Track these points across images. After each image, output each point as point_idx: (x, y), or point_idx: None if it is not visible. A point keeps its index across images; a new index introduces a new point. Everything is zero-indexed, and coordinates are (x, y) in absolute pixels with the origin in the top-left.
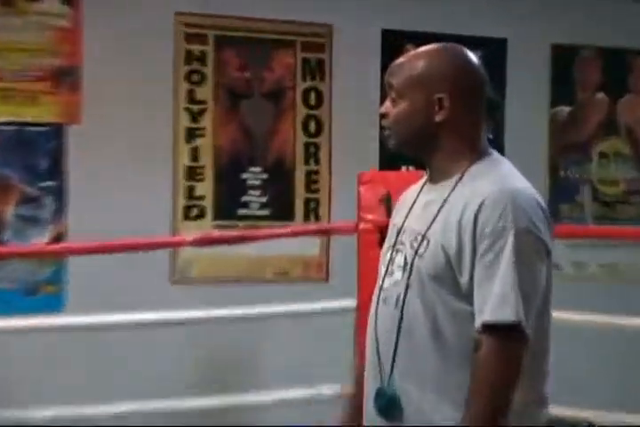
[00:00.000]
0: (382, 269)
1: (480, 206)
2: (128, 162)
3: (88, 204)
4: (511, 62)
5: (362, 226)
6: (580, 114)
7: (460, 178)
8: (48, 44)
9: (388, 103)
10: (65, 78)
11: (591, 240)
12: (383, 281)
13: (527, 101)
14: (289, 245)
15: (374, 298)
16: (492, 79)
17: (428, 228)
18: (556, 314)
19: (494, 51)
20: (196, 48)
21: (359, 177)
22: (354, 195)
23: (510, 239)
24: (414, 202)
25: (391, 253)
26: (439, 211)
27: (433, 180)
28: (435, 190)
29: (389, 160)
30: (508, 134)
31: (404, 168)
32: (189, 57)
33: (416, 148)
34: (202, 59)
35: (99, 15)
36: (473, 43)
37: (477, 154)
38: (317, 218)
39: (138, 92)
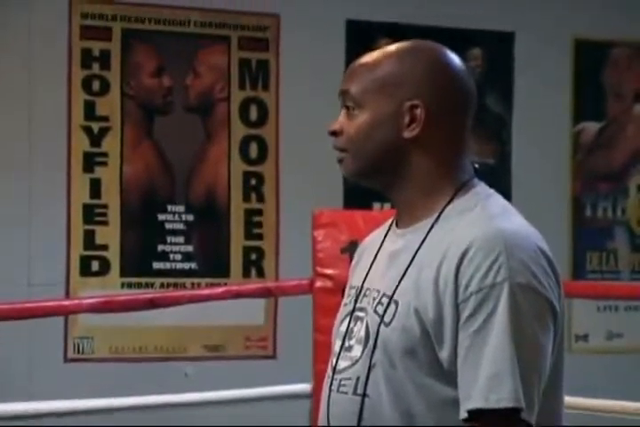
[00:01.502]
0: (336, 345)
1: (462, 257)
2: (4, 198)
3: None
4: (520, 63)
5: (318, 284)
6: (613, 132)
7: (437, 219)
8: None
9: (341, 117)
10: None
11: (628, 302)
12: (337, 360)
13: (542, 115)
14: (223, 311)
15: (326, 383)
16: (496, 85)
17: (397, 287)
18: (579, 400)
19: (498, 48)
20: (96, 46)
21: (314, 219)
22: (308, 243)
23: (503, 299)
24: (377, 253)
25: (348, 323)
26: (410, 264)
27: (401, 222)
28: (403, 237)
29: (357, 196)
30: (515, 159)
31: (376, 206)
32: (87, 58)
33: (378, 175)
34: (104, 60)
35: None
36: (472, 38)
37: (458, 185)
38: (260, 274)
39: (18, 105)
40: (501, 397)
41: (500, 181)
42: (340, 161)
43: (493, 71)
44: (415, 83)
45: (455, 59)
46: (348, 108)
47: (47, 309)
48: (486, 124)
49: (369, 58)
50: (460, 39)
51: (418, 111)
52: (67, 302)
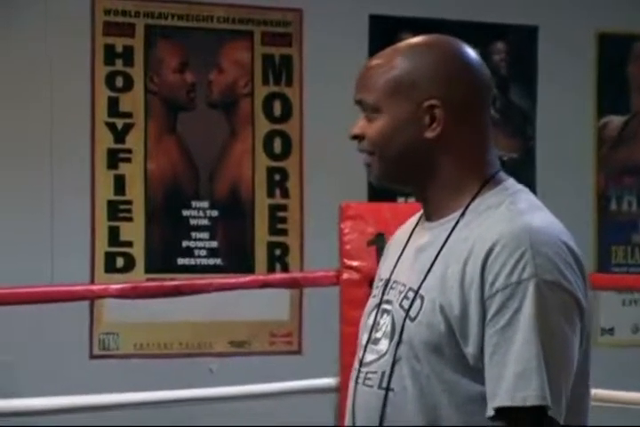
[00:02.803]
0: (363, 338)
1: (489, 253)
2: (27, 195)
3: None
4: (544, 57)
5: (345, 276)
6: (637, 126)
7: (462, 214)
8: None
9: (361, 121)
10: None
11: None
12: (364, 353)
13: (566, 109)
14: (249, 307)
15: (352, 376)
16: (520, 79)
17: (422, 281)
18: (604, 392)
19: (522, 42)
20: (119, 42)
21: (341, 211)
22: (334, 236)
23: (530, 296)
24: (405, 247)
25: (375, 316)
26: (436, 259)
27: (428, 217)
28: (430, 231)
29: (381, 190)
30: (540, 154)
31: (401, 199)
32: (111, 54)
33: (406, 177)
34: (127, 56)
35: None
36: (496, 32)
37: (484, 181)
38: (285, 268)
39: (41, 102)
40: (528, 395)
41: (525, 175)
42: (368, 166)
43: (517, 65)
44: (429, 81)
45: (468, 51)
46: (366, 112)
47: (74, 293)
48: (510, 118)
49: (378, 59)
50: (483, 33)
51: (437, 111)
52: (94, 287)
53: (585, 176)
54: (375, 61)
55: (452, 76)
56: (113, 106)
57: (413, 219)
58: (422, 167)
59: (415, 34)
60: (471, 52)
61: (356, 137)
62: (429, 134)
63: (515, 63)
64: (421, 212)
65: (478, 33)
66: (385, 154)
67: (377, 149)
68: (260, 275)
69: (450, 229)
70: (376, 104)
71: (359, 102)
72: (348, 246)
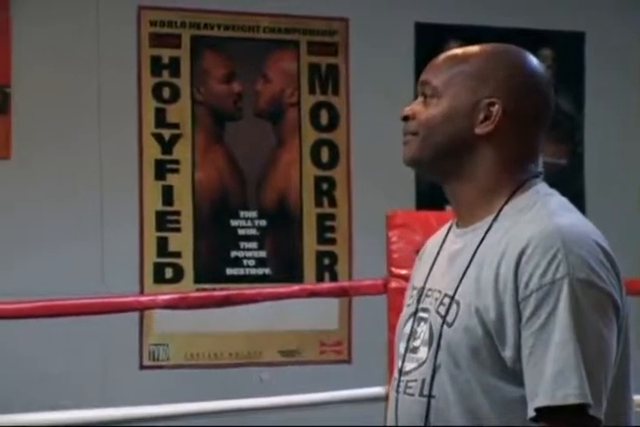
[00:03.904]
0: (401, 347)
1: (521, 255)
2: (77, 207)
3: (25, 264)
4: (591, 63)
5: (393, 284)
6: None
7: (496, 217)
8: None
9: (415, 104)
10: None
11: None
12: (403, 362)
13: (613, 114)
14: (298, 317)
15: (392, 386)
16: (567, 85)
17: (457, 287)
18: None
19: (568, 48)
20: (166, 53)
21: (388, 220)
22: (381, 247)
23: (564, 296)
24: (438, 254)
25: (412, 324)
26: (469, 264)
27: (461, 222)
28: (462, 237)
29: (429, 197)
30: (588, 160)
31: (449, 208)
32: (157, 65)
33: (439, 164)
34: (174, 67)
35: (32, 15)
36: (542, 38)
37: (518, 184)
38: (334, 277)
39: (88, 114)
40: (567, 393)
41: (574, 181)
42: (406, 144)
43: (564, 71)
44: (497, 82)
45: (538, 65)
46: (425, 96)
47: (123, 304)
48: (558, 124)
49: (456, 52)
50: (530, 40)
51: (494, 109)
52: (143, 298)
53: (634, 181)
54: (451, 54)
55: (517, 83)
56: (160, 117)
57: (445, 227)
58: (460, 159)
59: (461, 41)
60: (540, 67)
61: (406, 118)
62: (479, 130)
63: (561, 69)
64: (451, 221)
65: (525, 39)
66: (429, 138)
67: (423, 131)
68: (307, 284)
69: (483, 233)
70: (439, 88)
71: (424, 83)
72: (395, 255)
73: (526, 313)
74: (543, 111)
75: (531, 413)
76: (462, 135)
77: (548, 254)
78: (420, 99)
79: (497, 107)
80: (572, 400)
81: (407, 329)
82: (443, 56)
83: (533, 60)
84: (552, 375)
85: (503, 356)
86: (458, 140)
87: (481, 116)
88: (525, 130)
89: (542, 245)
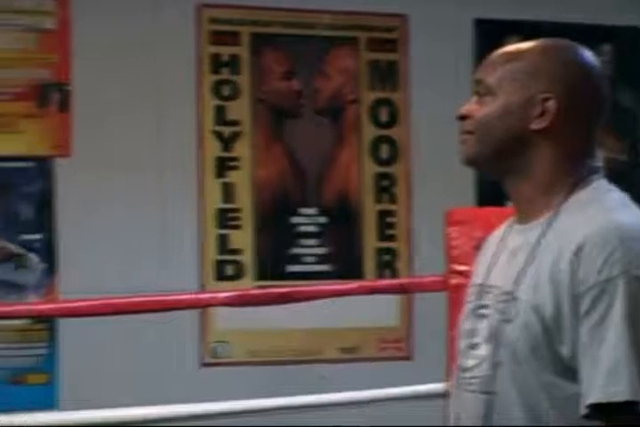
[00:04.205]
0: (462, 344)
1: (578, 251)
2: (138, 204)
3: (85, 262)
4: None
5: (453, 281)
6: None
7: (555, 214)
8: (27, 52)
9: (471, 103)
10: (51, 97)
11: None
12: (464, 359)
13: None
14: (359, 314)
15: (454, 382)
16: (626, 81)
17: (517, 284)
18: None
19: (628, 43)
20: (226, 51)
21: (448, 217)
22: (442, 244)
23: (620, 292)
24: (497, 250)
25: (473, 321)
26: (529, 260)
27: (520, 218)
28: (522, 234)
29: (489, 194)
30: None
31: (509, 204)
32: (217, 63)
33: (497, 162)
34: (234, 65)
35: (92, 12)
36: (601, 34)
37: (578, 180)
38: (394, 274)
39: (148, 111)
40: (618, 390)
41: (633, 176)
42: (462, 143)
43: (624, 67)
44: (551, 77)
45: (593, 60)
46: (480, 95)
47: (183, 301)
48: (618, 120)
49: (509, 49)
50: (589, 35)
51: (550, 104)
52: (203, 295)
53: None
54: (505, 50)
55: (571, 78)
56: (220, 114)
57: (504, 224)
58: (517, 156)
59: (521, 37)
60: (595, 62)
61: (463, 117)
62: (535, 126)
63: (621, 65)
64: (512, 217)
65: (584, 35)
66: (485, 136)
67: (479, 129)
68: (367, 281)
69: (541, 231)
70: (494, 86)
71: (478, 82)
72: (455, 251)
73: (582, 310)
74: (598, 105)
75: (583, 410)
76: (518, 132)
77: (604, 251)
78: (475, 97)
79: (552, 102)
80: (622, 397)
81: (468, 326)
82: (495, 54)
83: (588, 55)
84: (604, 373)
85: (561, 353)
86: (514, 137)
87: (536, 112)
88: (581, 125)
89: (599, 242)
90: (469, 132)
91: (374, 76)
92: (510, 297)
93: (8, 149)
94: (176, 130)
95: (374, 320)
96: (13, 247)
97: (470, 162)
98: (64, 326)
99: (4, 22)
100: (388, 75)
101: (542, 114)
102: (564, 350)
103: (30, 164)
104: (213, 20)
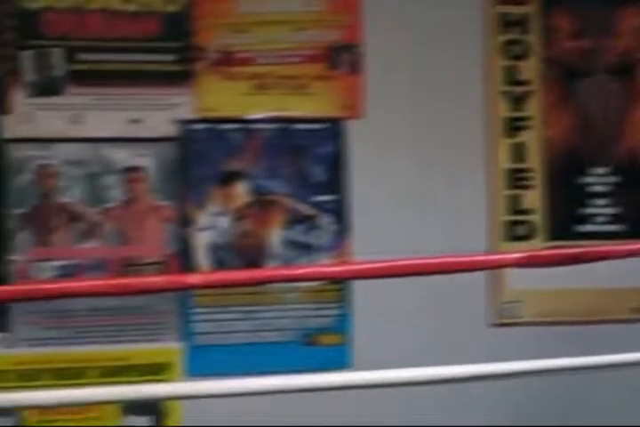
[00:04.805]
0: None
1: None
2: (427, 166)
3: (377, 223)
4: None
5: None
6: None
7: None
8: (319, 14)
9: None
10: (342, 58)
11: None
12: None
13: None
14: None
15: None
16: None
17: None
18: None
19: None
20: (514, 11)
21: None
22: None
23: None
24: None
25: None
26: None
27: None
28: None
29: None
30: None
31: None
32: (506, 22)
33: None
34: (523, 24)
35: None
36: None
37: None
38: None
39: (437, 72)
40: None
41: None
42: None
43: None
44: None
45: None
46: None
47: (472, 263)
48: None
49: None
50: None
51: None
52: (492, 257)
53: None
54: None
55: None
56: (510, 75)
57: None
58: None
59: None
60: None
61: None
62: None
63: None
64: None
65: None
66: None
67: None
68: None
69: None
70: None
71: None
72: None
73: None
74: None
75: None
76: None
77: None
78: None
79: None
80: None
81: None
82: None
83: None
84: None
85: None
86: None
87: None
88: None
89: None
90: None
91: None
92: None
93: (300, 110)
94: (461, 92)
95: None
96: (306, 208)
97: None
98: (358, 286)
99: None
100: None
101: None
102: None
103: (322, 125)
104: None
